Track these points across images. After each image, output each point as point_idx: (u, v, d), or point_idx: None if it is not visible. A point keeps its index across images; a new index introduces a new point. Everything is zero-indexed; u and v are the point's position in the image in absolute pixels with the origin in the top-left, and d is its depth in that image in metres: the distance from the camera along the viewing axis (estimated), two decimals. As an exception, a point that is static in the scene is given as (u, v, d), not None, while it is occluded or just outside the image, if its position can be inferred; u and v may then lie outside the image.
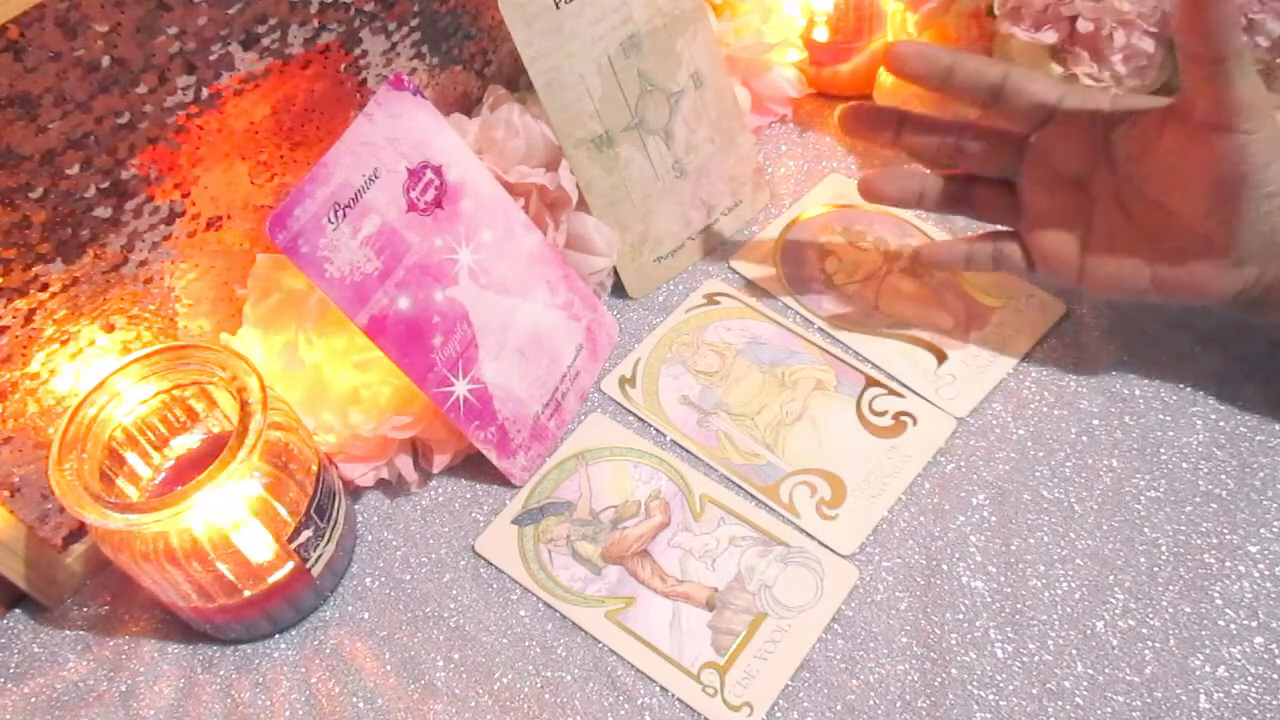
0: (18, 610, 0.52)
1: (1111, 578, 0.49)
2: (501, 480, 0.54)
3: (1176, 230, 0.48)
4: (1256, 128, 0.44)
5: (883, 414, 0.55)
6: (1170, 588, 0.48)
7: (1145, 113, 0.48)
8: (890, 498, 0.52)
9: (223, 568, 0.45)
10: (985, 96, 0.51)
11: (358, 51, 0.53)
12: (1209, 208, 0.47)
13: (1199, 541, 0.49)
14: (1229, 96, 0.44)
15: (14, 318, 0.46)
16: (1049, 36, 0.58)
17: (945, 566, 0.50)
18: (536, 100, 0.55)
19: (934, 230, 0.62)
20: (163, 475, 0.51)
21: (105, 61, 0.43)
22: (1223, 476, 0.51)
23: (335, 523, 0.50)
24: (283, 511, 0.47)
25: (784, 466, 0.54)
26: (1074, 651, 0.47)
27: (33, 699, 0.49)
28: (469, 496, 0.54)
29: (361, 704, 0.48)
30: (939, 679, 0.46)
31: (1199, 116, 0.45)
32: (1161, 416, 0.53)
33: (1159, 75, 0.59)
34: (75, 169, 0.45)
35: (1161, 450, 0.52)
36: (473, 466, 0.54)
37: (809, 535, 0.51)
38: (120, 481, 0.49)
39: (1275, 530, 0.49)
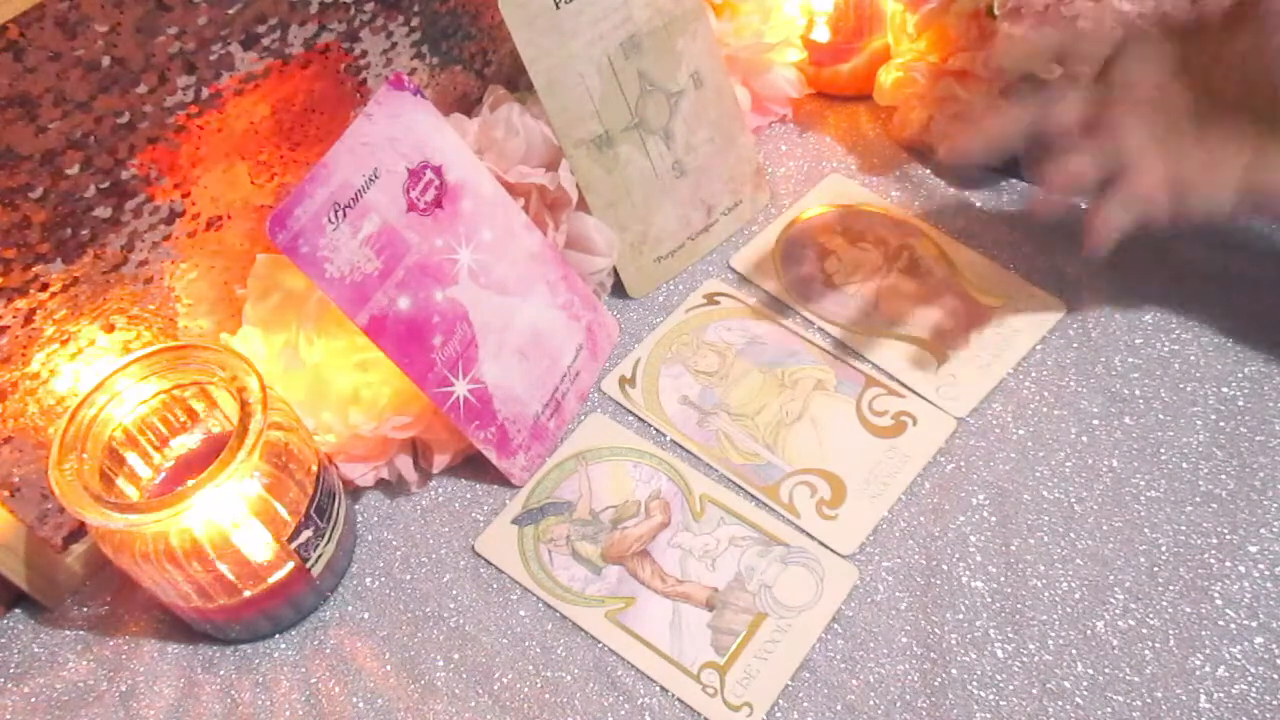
0: (18, 610, 0.52)
1: (1111, 578, 0.49)
2: (501, 480, 0.54)
3: None
4: None
5: (883, 414, 0.55)
6: (1170, 588, 0.48)
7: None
8: (890, 498, 0.52)
9: (223, 568, 0.45)
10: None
11: (358, 51, 0.53)
12: None
13: (1199, 541, 0.49)
14: None
15: (14, 318, 0.46)
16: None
17: (945, 566, 0.50)
18: (536, 100, 0.55)
19: (934, 230, 0.62)
20: (163, 475, 0.51)
21: (105, 61, 0.43)
22: (1223, 476, 0.51)
23: (335, 523, 0.50)
24: (283, 511, 0.47)
25: (784, 466, 0.54)
26: (1074, 651, 0.47)
27: (33, 699, 0.49)
28: (469, 496, 0.54)
29: (362, 704, 0.48)
30: (939, 679, 0.46)
31: None
32: (1161, 416, 0.53)
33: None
34: (75, 169, 0.45)
35: (1161, 450, 0.52)
36: (473, 466, 0.54)
37: (809, 535, 0.51)
38: (120, 481, 0.49)
39: (1275, 530, 0.49)
